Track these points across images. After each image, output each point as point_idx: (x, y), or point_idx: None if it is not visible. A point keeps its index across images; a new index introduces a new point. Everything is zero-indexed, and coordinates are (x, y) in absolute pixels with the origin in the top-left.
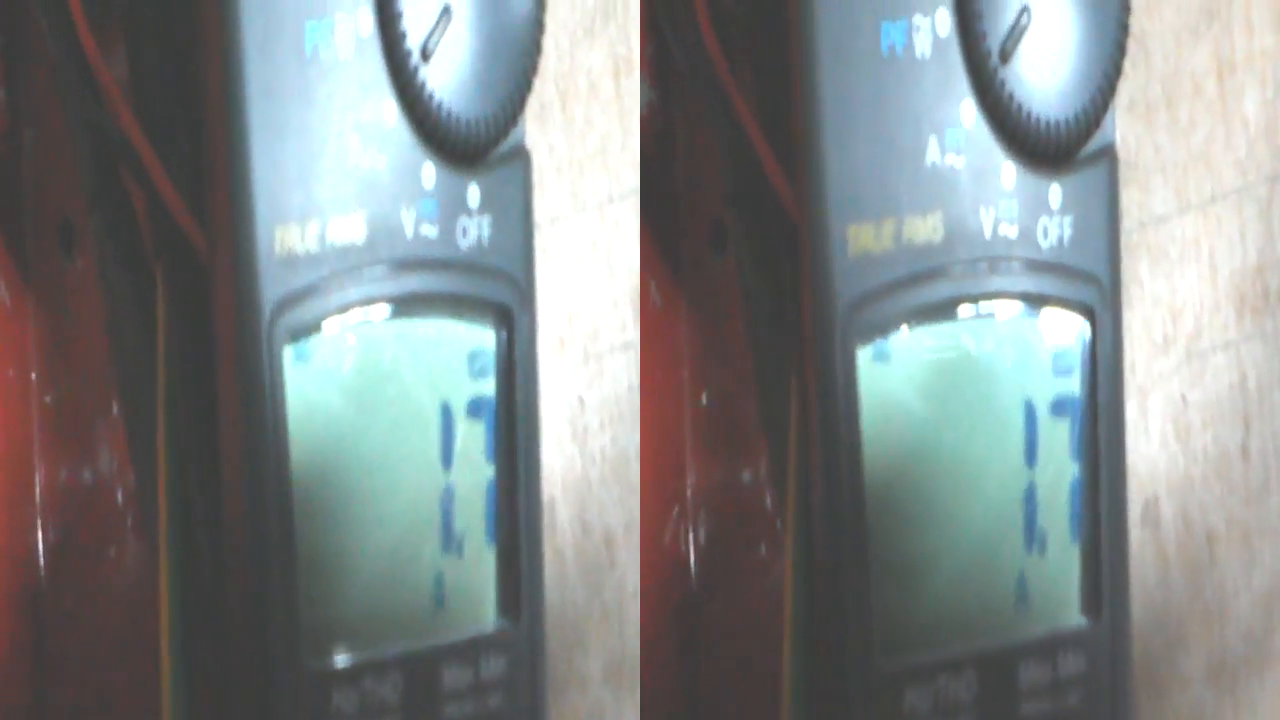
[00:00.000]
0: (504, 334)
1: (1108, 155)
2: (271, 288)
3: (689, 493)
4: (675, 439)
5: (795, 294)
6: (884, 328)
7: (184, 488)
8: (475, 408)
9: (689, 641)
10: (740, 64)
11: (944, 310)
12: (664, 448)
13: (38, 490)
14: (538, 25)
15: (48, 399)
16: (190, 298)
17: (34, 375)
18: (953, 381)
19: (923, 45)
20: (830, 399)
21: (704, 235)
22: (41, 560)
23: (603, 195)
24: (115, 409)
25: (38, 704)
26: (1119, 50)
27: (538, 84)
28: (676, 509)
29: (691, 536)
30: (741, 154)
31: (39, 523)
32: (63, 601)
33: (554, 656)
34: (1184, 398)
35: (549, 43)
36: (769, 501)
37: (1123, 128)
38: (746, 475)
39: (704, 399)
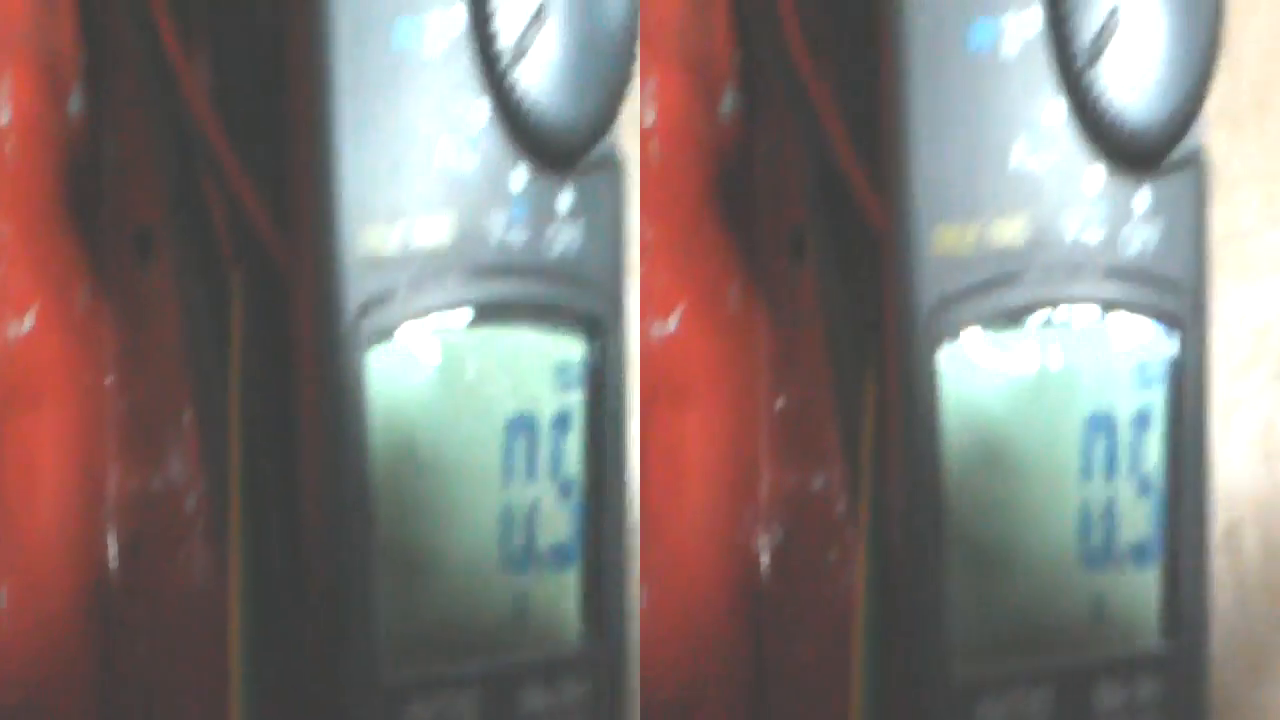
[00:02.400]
0: (594, 345)
1: (1197, 160)
2: (354, 290)
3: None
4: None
5: (874, 300)
6: (965, 331)
7: (255, 496)
8: (561, 421)
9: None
10: (825, 66)
11: (1025, 315)
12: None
13: (110, 495)
14: (634, 27)
15: (122, 405)
16: (266, 304)
17: (109, 381)
18: (1032, 389)
19: (1011, 45)
20: (912, 401)
21: (783, 243)
22: (112, 565)
23: None
24: (188, 416)
25: (104, 711)
26: (1211, 52)
27: None
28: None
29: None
30: (825, 160)
31: (110, 527)
32: (132, 605)
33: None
34: (1270, 419)
35: None
36: (841, 508)
37: (1209, 138)
38: (819, 481)
39: (779, 403)
